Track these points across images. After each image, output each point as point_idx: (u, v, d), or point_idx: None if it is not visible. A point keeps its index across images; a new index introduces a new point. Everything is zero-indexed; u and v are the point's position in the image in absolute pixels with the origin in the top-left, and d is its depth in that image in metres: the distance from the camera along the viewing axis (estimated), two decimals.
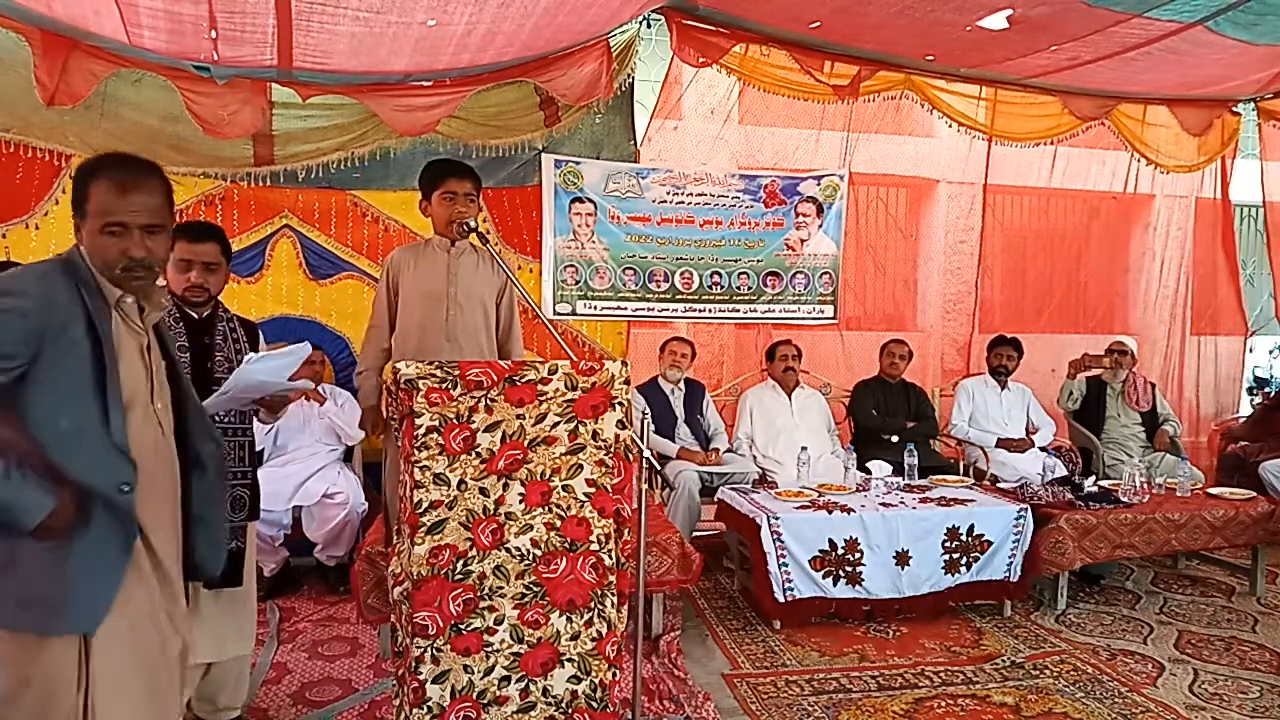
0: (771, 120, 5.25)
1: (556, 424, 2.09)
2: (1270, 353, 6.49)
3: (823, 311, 5.46)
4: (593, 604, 2.13)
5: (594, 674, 2.14)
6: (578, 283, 4.98)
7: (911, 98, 4.96)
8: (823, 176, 5.34)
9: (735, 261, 5.26)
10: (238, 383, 2.12)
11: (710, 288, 5.23)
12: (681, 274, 5.17)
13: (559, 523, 2.10)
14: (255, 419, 2.52)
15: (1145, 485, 4.14)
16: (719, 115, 5.21)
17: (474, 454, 2.04)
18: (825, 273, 5.42)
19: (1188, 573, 4.51)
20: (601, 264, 5.02)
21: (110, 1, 3.16)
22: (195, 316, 2.47)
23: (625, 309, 5.10)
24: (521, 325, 3.30)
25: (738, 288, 5.28)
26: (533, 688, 2.10)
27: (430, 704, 2.03)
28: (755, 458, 4.70)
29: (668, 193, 5.09)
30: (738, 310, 5.32)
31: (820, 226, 5.36)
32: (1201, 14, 3.82)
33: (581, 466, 2.11)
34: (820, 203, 5.35)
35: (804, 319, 5.43)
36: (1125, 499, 4.05)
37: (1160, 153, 5.52)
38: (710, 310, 5.27)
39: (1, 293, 1.59)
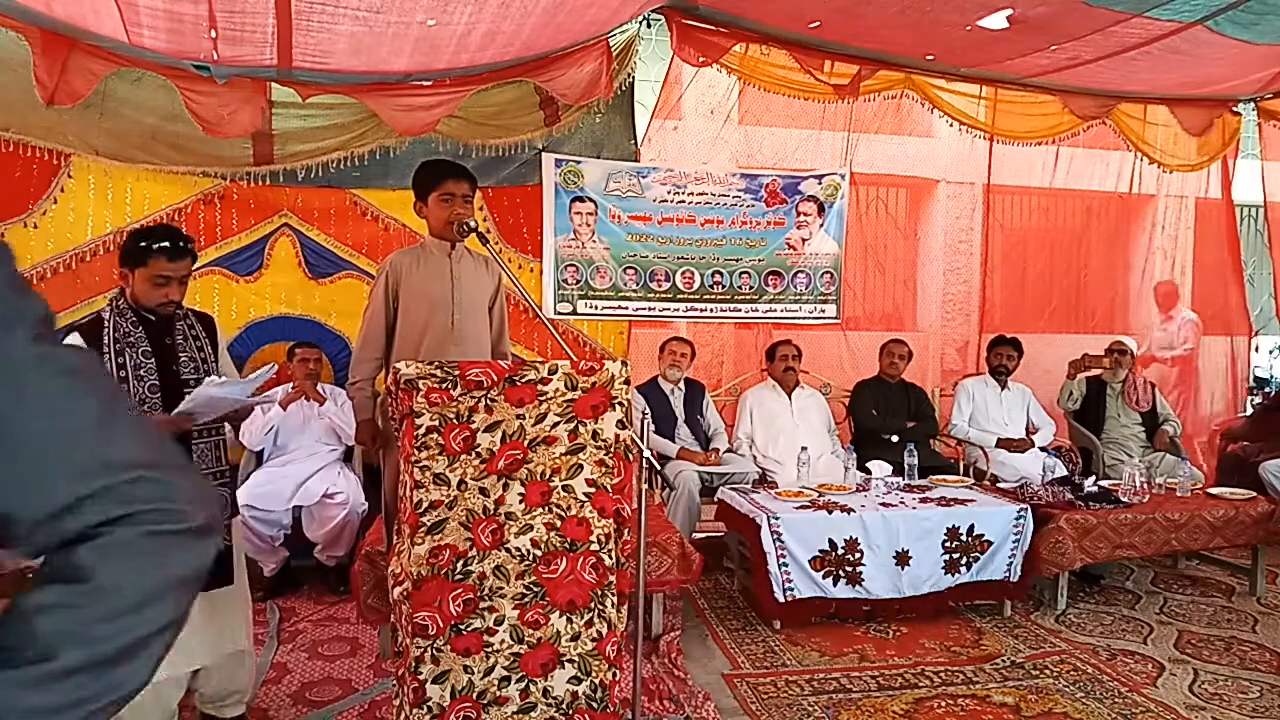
0: (771, 120, 5.24)
1: (556, 424, 2.08)
2: (1270, 353, 6.49)
3: (824, 311, 5.44)
4: (593, 604, 2.13)
5: (594, 674, 2.14)
6: (578, 282, 4.97)
7: (912, 97, 4.96)
8: (824, 176, 5.32)
9: (736, 261, 5.24)
10: (197, 400, 2.24)
11: (711, 287, 5.22)
12: (682, 273, 5.16)
13: (559, 523, 2.10)
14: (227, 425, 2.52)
15: (1145, 485, 4.13)
16: (719, 115, 5.20)
17: (474, 454, 2.03)
18: (826, 272, 5.41)
19: (1188, 573, 4.50)
20: (602, 263, 5.01)
21: (110, 1, 3.16)
22: (153, 318, 2.38)
23: (626, 308, 5.09)
24: (522, 325, 3.30)
25: (739, 287, 5.27)
26: (533, 688, 2.10)
27: (430, 704, 2.03)
28: (755, 458, 4.69)
29: (668, 192, 5.08)
30: (739, 310, 5.30)
31: (821, 226, 5.35)
32: (1201, 14, 3.82)
33: (581, 466, 2.11)
34: (821, 202, 5.33)
35: (805, 319, 5.42)
36: (1125, 499, 4.05)
37: (1163, 152, 5.51)
38: (711, 310, 5.25)
39: None
